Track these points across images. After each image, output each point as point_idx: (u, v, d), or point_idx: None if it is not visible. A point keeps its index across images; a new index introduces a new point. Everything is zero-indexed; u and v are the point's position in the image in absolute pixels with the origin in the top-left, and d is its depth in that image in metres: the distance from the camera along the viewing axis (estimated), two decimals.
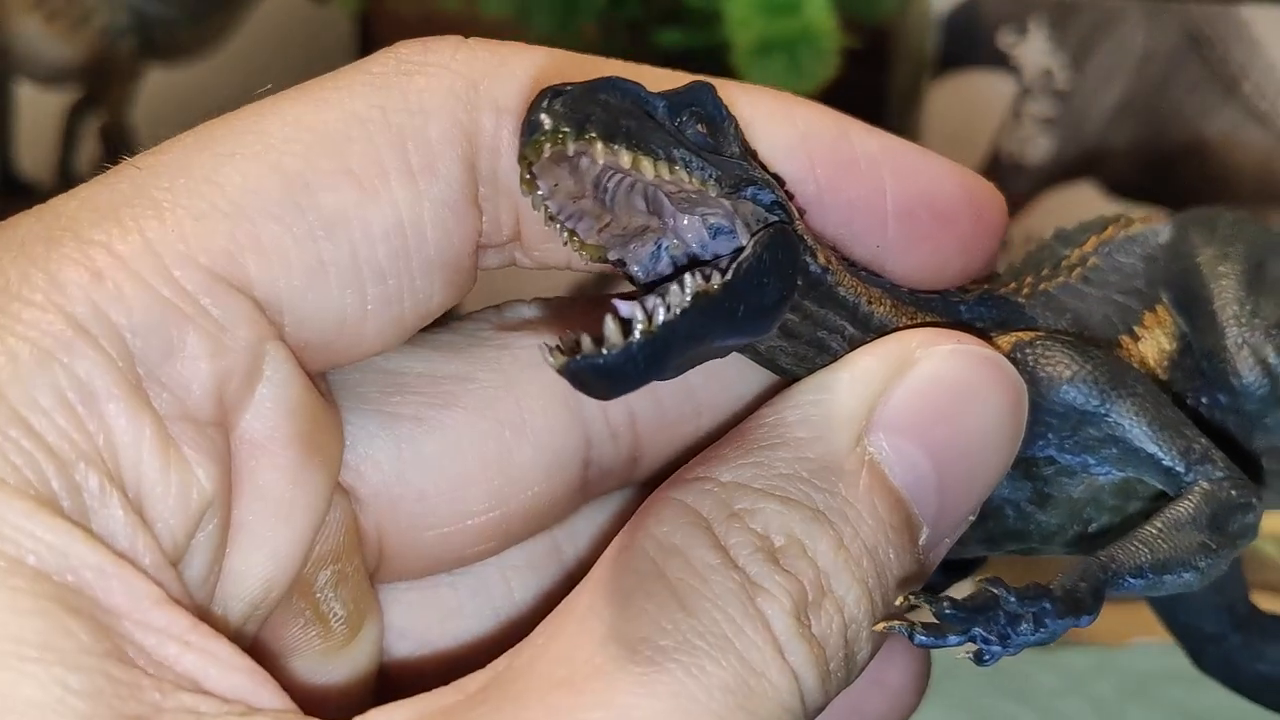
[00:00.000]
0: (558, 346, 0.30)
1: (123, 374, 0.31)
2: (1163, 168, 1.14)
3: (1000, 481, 0.36)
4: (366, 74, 0.35)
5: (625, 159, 0.31)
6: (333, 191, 0.33)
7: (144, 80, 1.26)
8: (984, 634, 0.33)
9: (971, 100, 1.13)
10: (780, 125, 0.36)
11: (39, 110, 1.25)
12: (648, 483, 0.40)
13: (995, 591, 0.33)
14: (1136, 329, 0.40)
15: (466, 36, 0.36)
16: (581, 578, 0.33)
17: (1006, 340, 0.38)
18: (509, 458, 0.38)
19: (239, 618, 0.34)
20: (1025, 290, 0.40)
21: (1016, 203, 1.16)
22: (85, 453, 0.30)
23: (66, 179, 1.20)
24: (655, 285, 0.32)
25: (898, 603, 0.34)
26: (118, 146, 1.21)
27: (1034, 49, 1.12)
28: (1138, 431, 0.37)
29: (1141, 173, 1.15)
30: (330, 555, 0.37)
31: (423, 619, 0.40)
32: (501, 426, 0.38)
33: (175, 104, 1.24)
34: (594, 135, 0.30)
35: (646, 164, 0.31)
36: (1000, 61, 1.13)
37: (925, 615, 0.34)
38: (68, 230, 0.32)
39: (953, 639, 0.33)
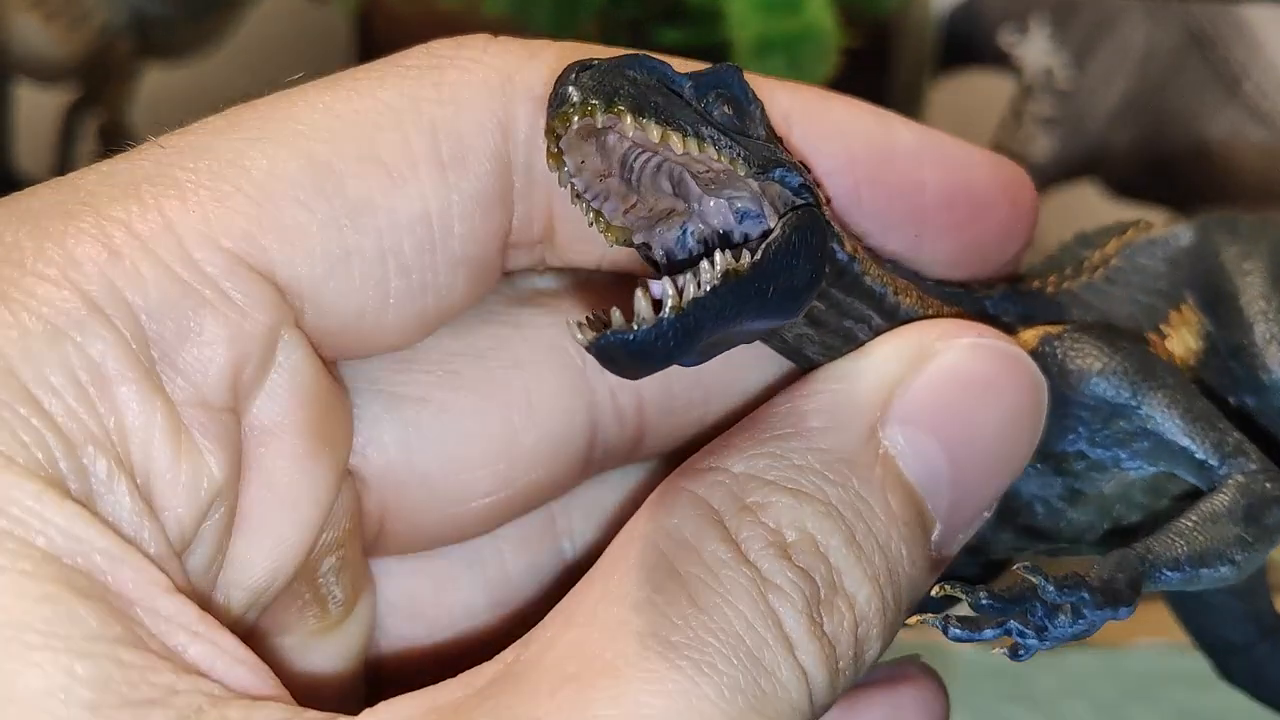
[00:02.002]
0: (586, 321, 0.30)
1: (136, 356, 0.30)
2: (1164, 167, 1.14)
3: (1019, 479, 0.36)
4: (399, 66, 0.34)
5: (654, 133, 0.30)
6: (360, 179, 0.33)
7: (142, 79, 1.25)
8: (1020, 627, 0.32)
9: (972, 100, 1.13)
10: (819, 118, 0.36)
11: (37, 109, 1.24)
12: (648, 460, 0.40)
13: (1034, 580, 0.33)
14: (1163, 327, 0.40)
15: (466, 35, 0.35)
16: (574, 550, 0.33)
17: (1033, 334, 0.37)
18: (515, 441, 0.38)
19: (241, 606, 0.34)
20: (1049, 289, 0.40)
21: None
22: (94, 435, 0.30)
23: None
24: (682, 268, 0.31)
25: (934, 593, 0.33)
26: (116, 145, 1.21)
27: (1035, 48, 1.12)
28: (1170, 424, 0.36)
29: (1143, 172, 1.15)
30: (335, 543, 0.36)
31: (416, 590, 0.40)
32: (509, 409, 0.38)
33: (174, 103, 1.23)
34: (623, 108, 0.29)
35: (675, 139, 0.30)
36: (1001, 61, 1.12)
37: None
38: (86, 205, 0.31)
39: (988, 633, 0.33)
